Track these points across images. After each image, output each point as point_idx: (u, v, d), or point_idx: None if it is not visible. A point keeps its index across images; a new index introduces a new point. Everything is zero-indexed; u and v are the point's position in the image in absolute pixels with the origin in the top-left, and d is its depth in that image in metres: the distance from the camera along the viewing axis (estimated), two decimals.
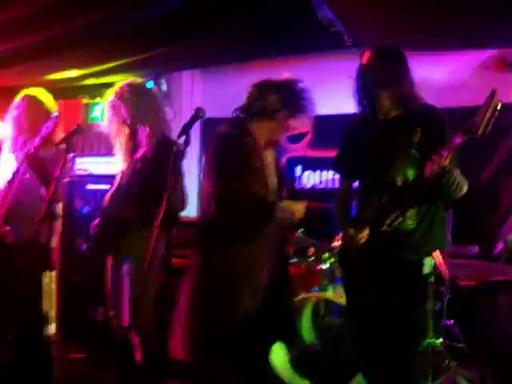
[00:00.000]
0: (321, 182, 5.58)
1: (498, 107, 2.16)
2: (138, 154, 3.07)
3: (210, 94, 5.91)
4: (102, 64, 4.78)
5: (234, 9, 3.79)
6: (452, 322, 4.14)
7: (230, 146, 2.54)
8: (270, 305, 2.52)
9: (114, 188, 3.15)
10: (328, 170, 5.37)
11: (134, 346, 2.91)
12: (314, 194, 5.41)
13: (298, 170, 5.74)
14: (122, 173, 3.15)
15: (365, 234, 2.43)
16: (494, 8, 3.74)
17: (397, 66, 2.53)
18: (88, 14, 3.71)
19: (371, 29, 4.14)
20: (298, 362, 3.68)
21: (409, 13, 3.92)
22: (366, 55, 2.58)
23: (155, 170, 2.84)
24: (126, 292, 2.95)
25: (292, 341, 3.00)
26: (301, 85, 2.69)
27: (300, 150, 5.70)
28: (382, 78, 2.49)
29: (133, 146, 3.11)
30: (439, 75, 4.92)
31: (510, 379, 3.80)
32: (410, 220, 2.41)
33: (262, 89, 2.70)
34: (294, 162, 5.73)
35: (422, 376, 3.76)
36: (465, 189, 2.42)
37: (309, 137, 5.66)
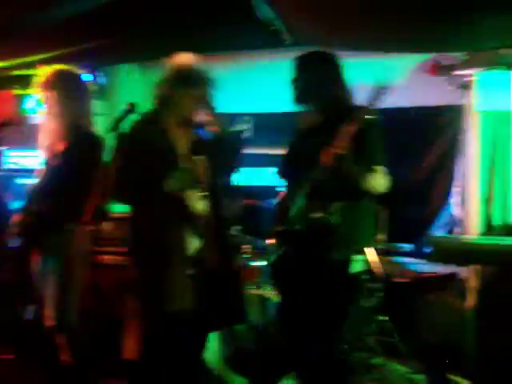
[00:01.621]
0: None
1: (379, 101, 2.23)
2: (60, 148, 2.97)
3: (148, 88, 5.80)
4: (34, 55, 4.61)
5: (171, 3, 3.74)
6: (386, 318, 4.23)
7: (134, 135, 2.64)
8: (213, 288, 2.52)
9: (37, 183, 3.05)
10: (266, 168, 5.36)
11: (59, 346, 2.83)
12: (250, 191, 5.40)
13: None
14: (45, 166, 3.05)
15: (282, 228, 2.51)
16: (430, 14, 3.84)
17: (327, 70, 2.58)
18: (17, 2, 3.57)
19: (311, 28, 4.17)
20: (233, 358, 3.68)
21: (347, 14, 3.96)
22: (298, 60, 2.64)
23: (77, 165, 2.78)
24: (51, 290, 2.86)
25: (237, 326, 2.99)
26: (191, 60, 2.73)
27: None
28: (313, 84, 2.55)
29: (57, 138, 3.02)
30: (378, 78, 5.01)
31: (439, 373, 3.91)
32: (335, 216, 2.43)
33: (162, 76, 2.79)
34: None
35: (356, 372, 3.83)
36: (381, 185, 2.45)
37: (247, 134, 5.65)
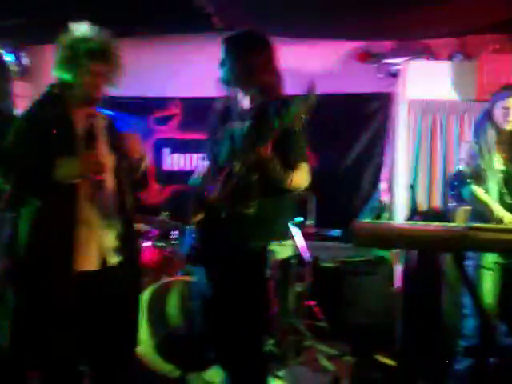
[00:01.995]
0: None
1: (313, 99, 2.20)
2: None
3: None
4: None
5: None
6: (314, 302, 4.30)
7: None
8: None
9: None
10: (196, 153, 5.31)
11: None
12: (181, 176, 5.34)
13: (166, 152, 5.64)
14: None
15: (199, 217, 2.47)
16: (360, 2, 3.89)
17: (254, 55, 2.51)
18: None
19: (243, 13, 4.15)
20: (163, 345, 3.64)
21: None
22: (228, 41, 2.55)
23: None
24: None
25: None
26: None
27: (168, 132, 5.63)
28: (241, 69, 2.48)
29: None
30: (309, 63, 5.05)
31: (366, 354, 4.02)
32: (252, 207, 2.42)
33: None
34: (161, 143, 5.63)
35: (284, 355, 3.88)
36: (302, 183, 2.45)
37: (177, 119, 5.61)
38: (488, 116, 3.22)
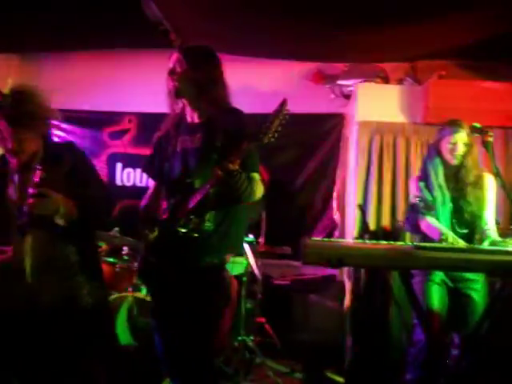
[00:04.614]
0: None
1: (286, 117, 2.25)
2: None
3: (26, 81, 5.54)
4: None
5: None
6: (264, 319, 4.31)
7: None
8: None
9: None
10: None
11: None
12: (133, 191, 5.31)
13: (119, 167, 5.60)
14: None
15: (155, 234, 2.45)
16: (316, 24, 3.97)
17: (208, 69, 2.53)
18: None
19: (199, 31, 4.17)
20: None
21: (234, 17, 4.01)
22: (176, 57, 2.55)
23: None
24: None
25: None
26: None
27: (121, 146, 5.61)
28: (189, 82, 2.49)
29: None
30: (264, 82, 5.12)
31: (315, 370, 4.05)
32: (208, 222, 2.42)
33: None
34: (115, 158, 5.60)
35: (234, 372, 3.87)
36: (258, 193, 2.48)
37: (131, 134, 5.58)
38: (436, 152, 3.32)
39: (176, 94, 2.52)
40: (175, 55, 2.52)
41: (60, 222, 2.30)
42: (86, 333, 2.44)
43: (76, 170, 2.44)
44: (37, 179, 2.27)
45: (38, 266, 2.32)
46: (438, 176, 3.28)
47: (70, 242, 2.39)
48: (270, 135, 2.24)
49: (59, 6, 3.89)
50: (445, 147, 3.28)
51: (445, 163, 3.30)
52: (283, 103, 2.25)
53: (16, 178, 2.36)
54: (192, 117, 2.57)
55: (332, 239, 4.23)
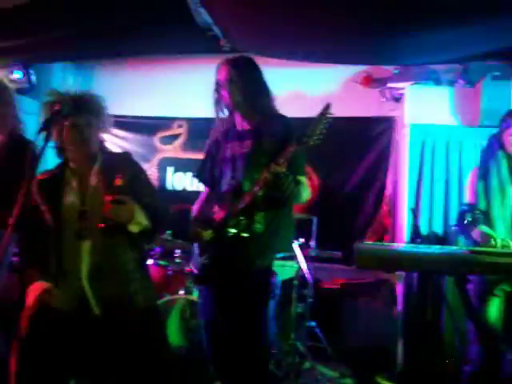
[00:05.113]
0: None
1: (330, 120, 2.28)
2: None
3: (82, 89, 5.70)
4: None
5: (106, 3, 3.69)
6: (314, 323, 4.30)
7: None
8: None
9: None
10: None
11: None
12: (184, 195, 5.39)
13: (170, 171, 5.69)
14: None
15: (208, 233, 2.49)
16: (364, 26, 3.94)
17: (254, 78, 2.60)
18: None
19: (248, 36, 4.20)
20: None
21: (283, 23, 4.01)
22: (223, 68, 2.62)
23: (5, 169, 2.67)
24: None
25: None
26: None
27: (172, 151, 5.70)
28: (240, 92, 2.55)
29: None
30: (312, 87, 5.12)
31: (365, 376, 4.01)
32: (258, 224, 2.46)
33: None
34: (166, 163, 5.69)
35: (285, 376, 3.88)
36: (305, 195, 2.50)
37: (182, 139, 5.67)
38: (498, 145, 3.11)
39: (226, 103, 2.60)
40: (223, 66, 2.61)
41: (133, 229, 2.32)
42: (140, 335, 2.48)
43: (135, 180, 2.47)
44: (116, 185, 2.32)
45: (94, 270, 2.35)
46: (501, 171, 3.06)
47: (130, 248, 2.42)
48: (315, 137, 2.28)
49: (110, 15, 3.98)
50: (508, 139, 3.07)
51: (508, 156, 3.08)
52: (327, 107, 2.29)
53: (74, 183, 2.42)
54: (241, 124, 2.64)
55: (384, 243, 4.19)
